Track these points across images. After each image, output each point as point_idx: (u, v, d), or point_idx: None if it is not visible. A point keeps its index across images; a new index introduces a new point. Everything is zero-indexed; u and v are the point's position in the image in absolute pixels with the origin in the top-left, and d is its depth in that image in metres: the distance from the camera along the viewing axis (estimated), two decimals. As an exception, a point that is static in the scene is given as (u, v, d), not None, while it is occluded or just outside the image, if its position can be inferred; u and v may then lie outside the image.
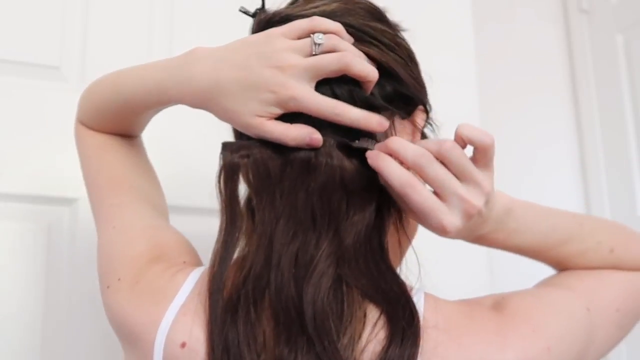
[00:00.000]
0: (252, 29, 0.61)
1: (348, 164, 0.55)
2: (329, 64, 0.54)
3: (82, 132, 0.72)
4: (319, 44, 0.54)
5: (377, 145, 0.55)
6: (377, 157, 0.54)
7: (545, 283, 0.67)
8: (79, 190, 0.95)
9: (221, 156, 0.58)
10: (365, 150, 0.55)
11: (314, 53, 0.54)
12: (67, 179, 0.96)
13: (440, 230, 0.53)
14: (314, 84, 0.54)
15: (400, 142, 0.54)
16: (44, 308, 0.92)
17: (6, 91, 0.97)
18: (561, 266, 0.67)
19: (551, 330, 0.54)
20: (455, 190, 0.52)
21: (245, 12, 0.62)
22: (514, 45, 1.53)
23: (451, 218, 0.53)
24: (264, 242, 0.54)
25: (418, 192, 0.52)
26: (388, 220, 0.57)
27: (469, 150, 0.54)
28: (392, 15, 0.63)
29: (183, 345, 0.52)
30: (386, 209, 0.57)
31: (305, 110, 0.54)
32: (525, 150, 1.48)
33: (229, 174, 0.57)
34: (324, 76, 0.54)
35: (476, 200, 0.53)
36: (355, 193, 0.55)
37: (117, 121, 0.69)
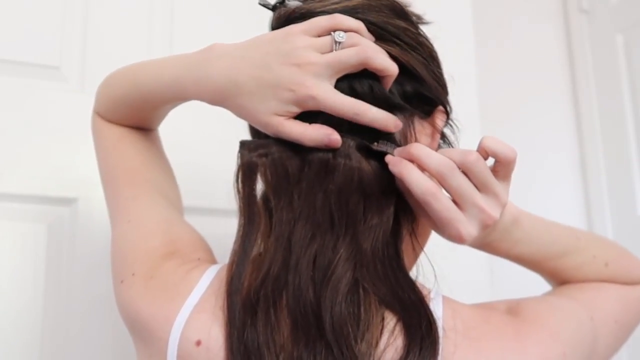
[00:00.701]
0: (271, 23, 0.60)
1: (366, 166, 0.54)
2: (348, 58, 0.53)
3: (100, 124, 0.72)
4: (340, 42, 0.53)
5: (398, 150, 0.55)
6: (399, 164, 0.53)
7: (549, 294, 0.68)
8: (79, 190, 0.96)
9: (239, 155, 0.57)
10: (385, 153, 0.55)
11: (334, 50, 0.54)
12: (67, 179, 0.96)
13: (457, 239, 0.54)
14: (334, 82, 0.54)
15: (423, 150, 0.53)
16: (44, 308, 0.92)
17: (6, 91, 0.97)
18: (557, 278, 0.69)
19: (566, 336, 0.55)
20: (476, 202, 0.53)
21: (265, 5, 0.60)
22: (514, 45, 1.53)
23: (469, 228, 0.53)
24: (282, 243, 0.53)
25: (439, 201, 0.52)
26: (404, 226, 0.57)
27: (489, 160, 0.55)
28: (413, 9, 0.62)
29: (198, 343, 0.52)
30: (403, 214, 0.57)
31: (324, 109, 0.53)
32: (525, 150, 1.47)
33: (246, 174, 0.56)
34: (345, 72, 0.54)
35: (494, 211, 0.54)
36: (372, 196, 0.54)
37: (135, 114, 0.69)
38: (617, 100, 1.45)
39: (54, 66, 1.00)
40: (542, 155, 1.51)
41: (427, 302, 0.53)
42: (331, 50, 0.53)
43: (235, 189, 0.57)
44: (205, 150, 1.02)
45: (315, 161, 0.54)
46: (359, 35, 0.54)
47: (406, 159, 0.54)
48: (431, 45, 0.61)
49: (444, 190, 0.54)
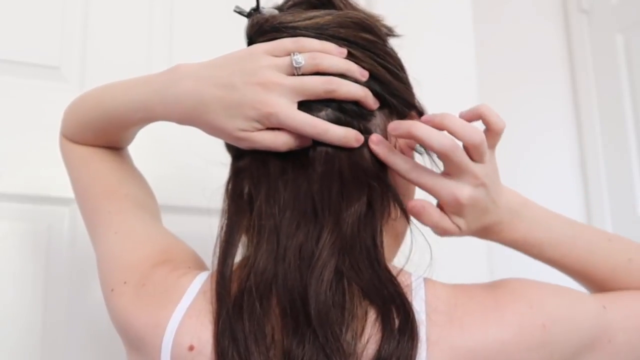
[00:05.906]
0: (246, 30, 0.61)
1: (344, 153, 0.56)
2: (314, 86, 0.55)
3: (69, 145, 0.73)
4: (298, 67, 0.55)
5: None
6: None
7: None
8: (78, 190, 0.96)
9: (230, 165, 0.61)
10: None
11: (295, 74, 0.56)
12: (66, 179, 0.95)
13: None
14: (296, 102, 0.56)
15: (425, 127, 0.56)
16: (43, 308, 0.92)
17: (6, 91, 0.97)
18: (597, 286, 0.65)
19: (549, 309, 0.54)
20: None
21: (240, 13, 0.62)
22: (514, 45, 1.53)
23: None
24: (266, 235, 0.54)
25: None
26: (382, 214, 0.57)
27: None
28: (391, 17, 0.63)
29: (191, 348, 0.52)
30: (379, 203, 0.57)
31: (286, 127, 0.55)
32: (525, 150, 1.47)
33: (234, 178, 0.59)
34: (310, 98, 0.56)
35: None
36: (351, 183, 0.56)
37: (103, 136, 0.70)
38: (617, 100, 1.45)
39: (54, 66, 1.00)
40: (542, 154, 1.51)
41: (409, 290, 0.54)
42: (292, 73, 0.56)
43: (225, 193, 0.59)
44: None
45: (298, 153, 0.56)
46: (322, 55, 0.56)
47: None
48: (397, 55, 0.63)
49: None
